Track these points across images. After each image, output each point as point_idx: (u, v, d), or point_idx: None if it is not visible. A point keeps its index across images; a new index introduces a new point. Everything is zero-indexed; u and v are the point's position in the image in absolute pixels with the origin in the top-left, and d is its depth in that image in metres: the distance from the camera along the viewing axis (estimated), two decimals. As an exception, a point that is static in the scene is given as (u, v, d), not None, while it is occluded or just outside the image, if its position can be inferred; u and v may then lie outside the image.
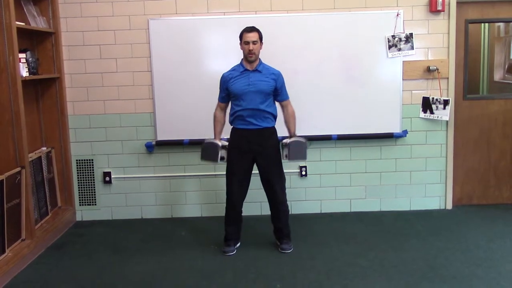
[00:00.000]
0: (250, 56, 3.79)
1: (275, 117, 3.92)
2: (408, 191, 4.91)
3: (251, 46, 3.76)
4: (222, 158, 3.95)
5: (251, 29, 3.82)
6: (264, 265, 3.71)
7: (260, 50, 3.85)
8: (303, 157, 3.97)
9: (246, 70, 3.84)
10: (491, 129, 4.92)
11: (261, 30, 3.83)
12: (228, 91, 3.86)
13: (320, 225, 4.58)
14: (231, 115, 3.93)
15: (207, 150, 3.97)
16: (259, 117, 3.82)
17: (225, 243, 3.99)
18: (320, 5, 4.62)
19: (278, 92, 3.89)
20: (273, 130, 3.91)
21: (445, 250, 3.89)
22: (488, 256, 3.76)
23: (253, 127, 3.82)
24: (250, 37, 3.77)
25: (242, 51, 3.85)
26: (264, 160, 3.88)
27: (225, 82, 3.87)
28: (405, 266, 3.62)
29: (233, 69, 3.90)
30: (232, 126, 3.94)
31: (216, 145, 3.92)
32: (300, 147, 3.91)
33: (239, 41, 3.86)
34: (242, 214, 4.02)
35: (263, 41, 3.87)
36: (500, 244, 4.00)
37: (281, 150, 3.95)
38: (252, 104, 3.79)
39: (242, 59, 3.89)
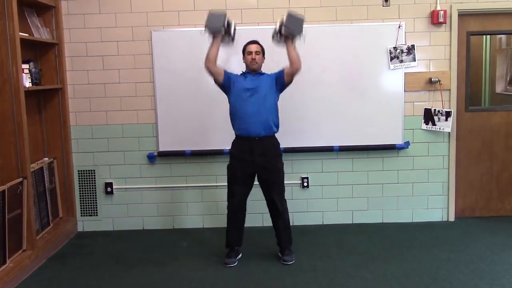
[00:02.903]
0: (252, 64, 3.83)
1: (276, 125, 3.88)
2: (410, 202, 4.89)
3: (254, 55, 3.83)
4: (228, 25, 3.74)
5: (254, 41, 3.90)
6: (265, 277, 3.69)
7: (262, 64, 3.89)
8: (299, 29, 3.69)
9: (249, 73, 3.89)
10: (493, 141, 4.91)
11: (263, 42, 3.87)
12: (229, 81, 3.84)
13: (322, 236, 4.56)
14: (232, 119, 3.89)
15: (212, 17, 3.71)
16: (260, 122, 3.78)
17: (227, 254, 3.97)
18: (322, 17, 4.64)
19: (279, 74, 3.85)
20: (274, 139, 3.91)
21: (447, 262, 3.87)
22: (491, 268, 3.73)
23: (254, 136, 3.79)
24: (253, 48, 3.86)
25: (244, 64, 3.91)
26: (265, 173, 3.87)
27: (231, 75, 3.87)
28: (407, 278, 3.59)
29: (237, 74, 3.94)
30: (235, 136, 3.92)
31: (224, 13, 3.74)
32: (295, 19, 3.70)
33: (242, 55, 3.91)
34: (244, 225, 4.01)
35: (265, 56, 3.93)
36: (502, 256, 3.98)
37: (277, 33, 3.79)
38: (254, 106, 3.77)
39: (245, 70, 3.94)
